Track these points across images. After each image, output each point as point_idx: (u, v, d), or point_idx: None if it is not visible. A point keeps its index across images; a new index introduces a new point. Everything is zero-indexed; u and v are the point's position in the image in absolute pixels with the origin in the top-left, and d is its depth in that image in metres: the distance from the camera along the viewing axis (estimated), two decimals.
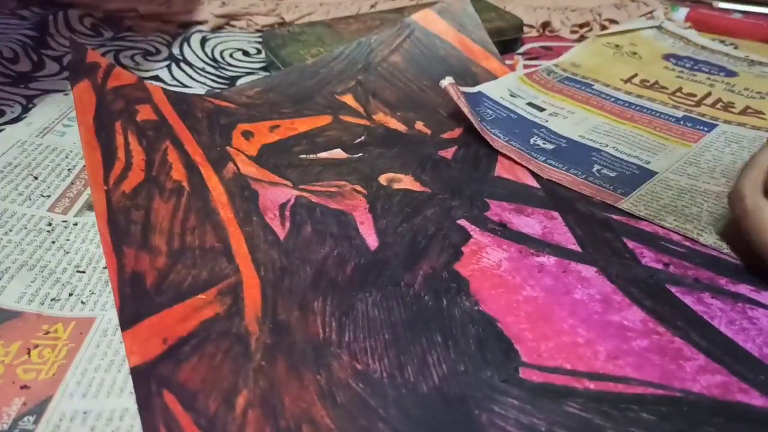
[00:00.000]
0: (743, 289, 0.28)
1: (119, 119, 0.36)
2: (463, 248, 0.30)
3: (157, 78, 0.49)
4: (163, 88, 0.42)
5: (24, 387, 0.22)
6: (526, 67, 0.52)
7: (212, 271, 0.27)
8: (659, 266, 0.29)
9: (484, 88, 0.45)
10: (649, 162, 0.37)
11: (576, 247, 0.30)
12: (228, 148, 0.38)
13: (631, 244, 0.30)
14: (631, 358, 0.23)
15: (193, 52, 0.54)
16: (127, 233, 0.28)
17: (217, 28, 0.59)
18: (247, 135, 0.40)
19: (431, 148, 0.39)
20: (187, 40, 0.56)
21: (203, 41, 0.56)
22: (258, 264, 0.28)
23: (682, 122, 0.41)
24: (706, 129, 0.40)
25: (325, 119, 0.43)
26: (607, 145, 0.39)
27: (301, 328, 0.25)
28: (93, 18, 0.57)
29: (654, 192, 0.34)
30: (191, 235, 0.29)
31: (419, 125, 0.43)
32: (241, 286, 0.27)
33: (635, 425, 0.21)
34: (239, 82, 0.50)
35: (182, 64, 0.52)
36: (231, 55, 0.54)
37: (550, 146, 0.39)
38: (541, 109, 0.43)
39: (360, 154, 0.39)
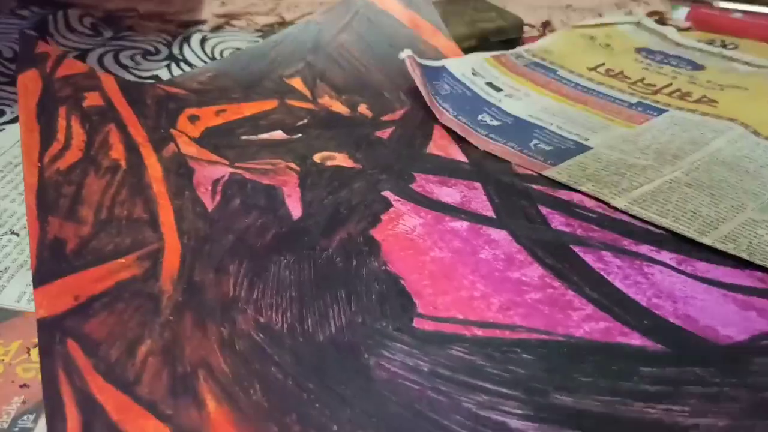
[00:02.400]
0: (644, 249, 0.29)
1: (64, 104, 0.37)
2: (382, 216, 0.31)
3: (156, 78, 0.49)
4: (115, 77, 0.43)
5: (23, 386, 0.22)
6: None
7: (135, 238, 0.28)
8: (567, 229, 0.30)
9: (448, 62, 0.46)
10: (588, 139, 0.38)
11: (491, 214, 0.31)
12: (172, 130, 0.39)
13: (545, 211, 0.32)
14: (522, 309, 0.25)
15: (193, 51, 0.55)
16: (55, 205, 0.29)
17: (216, 28, 0.59)
18: (193, 119, 0.41)
19: (369, 129, 0.41)
20: (187, 39, 0.56)
21: (203, 41, 0.56)
22: (182, 233, 0.29)
23: (634, 107, 0.42)
24: (655, 114, 0.41)
25: (272, 103, 0.45)
26: (551, 124, 0.40)
27: (213, 288, 0.26)
28: (93, 18, 0.57)
29: (582, 163, 0.35)
30: (120, 207, 0.30)
31: (362, 108, 0.44)
32: (162, 252, 0.28)
33: (514, 364, 0.22)
34: None
35: (182, 64, 0.52)
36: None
37: (496, 123, 0.40)
38: (498, 90, 0.44)
39: (299, 135, 0.40)
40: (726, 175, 0.34)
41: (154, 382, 0.21)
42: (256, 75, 0.48)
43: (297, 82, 0.47)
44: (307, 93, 0.46)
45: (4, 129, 0.38)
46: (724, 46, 0.56)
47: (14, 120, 0.40)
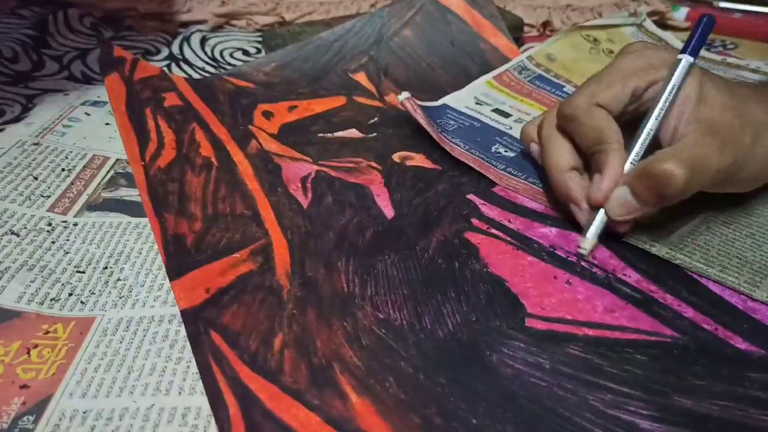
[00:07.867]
0: None
1: (148, 106, 0.39)
2: (472, 219, 0.32)
3: None
4: (184, 77, 0.44)
5: (24, 386, 0.21)
6: None
7: (244, 234, 0.30)
8: None
9: (449, 100, 0.45)
10: None
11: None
12: (250, 126, 0.40)
13: None
14: (626, 312, 0.26)
15: (193, 51, 0.55)
16: (166, 202, 0.31)
17: (217, 28, 0.60)
18: (268, 115, 0.43)
19: None
20: (187, 39, 0.57)
21: (203, 41, 0.57)
22: (285, 228, 0.31)
23: None
24: None
25: (340, 100, 0.46)
26: None
27: (328, 284, 0.27)
28: (93, 17, 0.58)
29: None
30: (222, 203, 0.32)
31: None
32: (271, 247, 0.29)
33: (630, 364, 0.23)
34: None
35: (182, 64, 0.52)
36: (231, 55, 0.55)
37: (511, 154, 0.38)
38: (507, 115, 0.43)
39: (374, 134, 0.41)
40: (760, 208, 0.33)
41: (295, 373, 0.22)
42: (320, 68, 0.49)
43: (362, 77, 0.48)
44: (373, 89, 0.47)
45: (4, 129, 0.38)
46: (724, 46, 0.56)
47: (14, 120, 0.40)
